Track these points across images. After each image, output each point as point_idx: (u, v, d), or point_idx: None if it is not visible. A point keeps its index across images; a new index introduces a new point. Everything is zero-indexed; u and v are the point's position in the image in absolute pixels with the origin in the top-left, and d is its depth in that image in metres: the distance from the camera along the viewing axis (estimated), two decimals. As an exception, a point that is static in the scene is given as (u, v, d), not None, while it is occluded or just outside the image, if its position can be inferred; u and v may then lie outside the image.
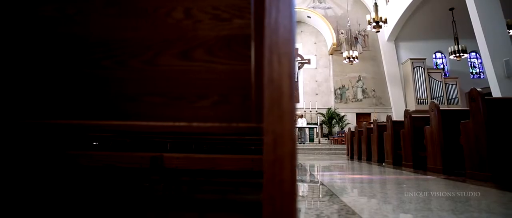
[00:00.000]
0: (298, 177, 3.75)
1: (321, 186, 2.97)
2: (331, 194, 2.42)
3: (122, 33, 0.82)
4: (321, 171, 4.74)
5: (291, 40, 0.60)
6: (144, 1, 0.79)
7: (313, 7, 17.17)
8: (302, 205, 2.03)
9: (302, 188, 2.76)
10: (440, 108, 4.60)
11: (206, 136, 1.91)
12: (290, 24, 0.60)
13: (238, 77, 0.77)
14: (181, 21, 0.77)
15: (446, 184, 3.21)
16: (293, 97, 0.57)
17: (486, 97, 3.47)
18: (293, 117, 0.56)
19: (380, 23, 11.93)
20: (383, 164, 6.37)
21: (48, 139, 1.35)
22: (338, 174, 4.32)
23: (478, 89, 3.51)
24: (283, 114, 0.56)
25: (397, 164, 6.00)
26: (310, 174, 4.24)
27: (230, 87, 0.79)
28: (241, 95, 0.78)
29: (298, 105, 16.49)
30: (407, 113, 5.53)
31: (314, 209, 1.84)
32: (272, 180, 0.54)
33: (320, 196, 2.37)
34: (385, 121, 6.83)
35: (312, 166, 5.75)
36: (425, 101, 14.75)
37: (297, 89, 16.87)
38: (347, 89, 16.75)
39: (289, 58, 0.58)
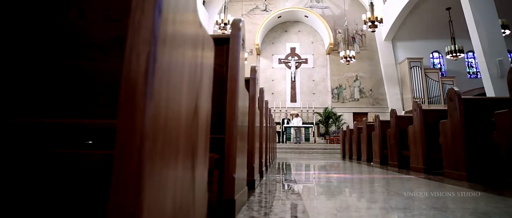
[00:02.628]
0: (274, 176, 3.77)
1: (293, 184, 2.99)
2: (296, 193, 2.44)
3: (26, 33, 0.84)
4: (302, 170, 4.76)
5: (151, 40, 0.62)
6: (42, 2, 0.81)
7: (310, 7, 17.16)
8: (266, 204, 2.05)
9: (271, 186, 2.78)
10: (436, 108, 4.61)
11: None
12: (152, 25, 0.62)
13: (130, 76, 0.79)
14: (76, 21, 0.79)
15: (420, 183, 3.22)
16: (148, 95, 0.59)
17: (463, 97, 3.48)
18: (145, 114, 0.58)
19: (376, 23, 11.90)
20: (371, 163, 6.38)
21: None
22: (318, 173, 4.34)
23: (455, 89, 3.51)
24: (135, 111, 0.58)
25: (384, 163, 6.01)
26: (291, 173, 4.26)
27: (123, 86, 0.80)
28: (133, 94, 0.80)
29: (295, 104, 16.50)
30: (393, 112, 5.53)
31: (267, 207, 1.86)
32: (118, 175, 0.56)
33: (285, 194, 2.39)
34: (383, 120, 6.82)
35: (297, 165, 5.77)
36: (422, 101, 14.72)
37: (294, 88, 16.88)
38: (344, 89, 16.74)
39: (147, 58, 0.61)
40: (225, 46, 1.78)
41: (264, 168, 3.73)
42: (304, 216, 1.69)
